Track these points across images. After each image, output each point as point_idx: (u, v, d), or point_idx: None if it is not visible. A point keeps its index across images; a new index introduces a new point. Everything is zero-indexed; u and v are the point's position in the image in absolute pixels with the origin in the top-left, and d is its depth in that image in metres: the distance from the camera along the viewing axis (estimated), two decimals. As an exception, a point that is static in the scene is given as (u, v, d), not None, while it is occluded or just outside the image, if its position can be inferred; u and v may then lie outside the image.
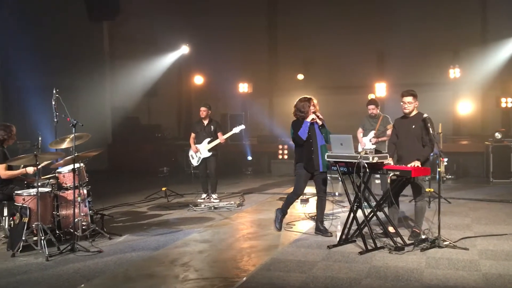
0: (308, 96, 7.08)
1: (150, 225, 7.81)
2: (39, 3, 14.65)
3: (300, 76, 16.50)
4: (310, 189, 10.95)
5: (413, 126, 6.46)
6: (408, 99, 6.53)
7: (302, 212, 8.36)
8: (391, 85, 14.81)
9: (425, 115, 6.36)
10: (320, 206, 7.03)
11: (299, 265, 5.56)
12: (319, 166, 6.90)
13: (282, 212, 7.20)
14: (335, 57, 16.02)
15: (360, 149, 8.56)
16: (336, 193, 10.05)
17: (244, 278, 5.21)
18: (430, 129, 6.26)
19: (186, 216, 8.49)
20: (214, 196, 9.71)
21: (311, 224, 7.54)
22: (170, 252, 6.25)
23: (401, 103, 6.60)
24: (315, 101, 7.02)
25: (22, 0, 14.20)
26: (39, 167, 6.53)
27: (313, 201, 9.63)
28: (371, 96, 14.12)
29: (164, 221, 8.13)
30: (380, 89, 14.73)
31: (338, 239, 6.33)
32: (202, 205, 9.15)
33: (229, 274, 5.43)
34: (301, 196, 9.67)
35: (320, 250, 6.12)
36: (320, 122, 6.94)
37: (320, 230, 6.94)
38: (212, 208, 8.99)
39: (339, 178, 11.68)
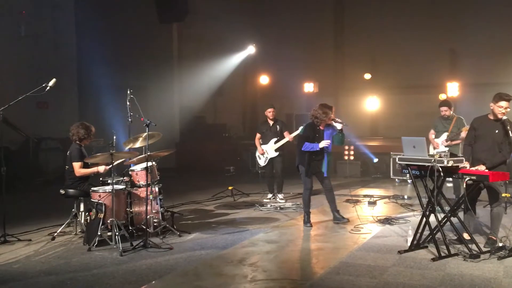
0: (330, 105, 7.64)
1: (218, 223, 7.93)
2: (112, 6, 15.25)
3: (367, 76, 16.22)
4: (377, 191, 10.80)
5: (496, 131, 6.11)
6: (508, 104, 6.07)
7: (370, 215, 8.19)
8: (464, 84, 14.26)
9: (504, 117, 6.04)
10: (331, 197, 7.68)
11: (369, 269, 5.46)
12: (324, 171, 7.59)
13: (305, 211, 7.65)
14: (404, 55, 15.65)
15: (432, 151, 8.30)
16: (405, 196, 9.78)
17: (313, 281, 5.18)
18: (510, 132, 5.94)
19: (253, 215, 8.55)
20: (280, 196, 9.71)
21: (379, 228, 7.39)
22: (238, 252, 6.31)
23: (497, 107, 6.06)
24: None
25: (97, 5, 14.83)
26: (109, 166, 6.81)
27: (380, 203, 9.44)
28: (442, 96, 13.69)
29: (231, 220, 8.22)
30: (452, 89, 14.20)
31: (409, 244, 6.15)
32: (268, 205, 9.19)
33: (297, 276, 5.41)
34: (369, 199, 9.56)
35: (390, 255, 5.97)
36: (340, 127, 7.51)
37: (337, 218, 7.63)
38: (278, 208, 9.00)
39: (408, 181, 11.42)
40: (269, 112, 9.76)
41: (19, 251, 6.40)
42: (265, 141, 9.77)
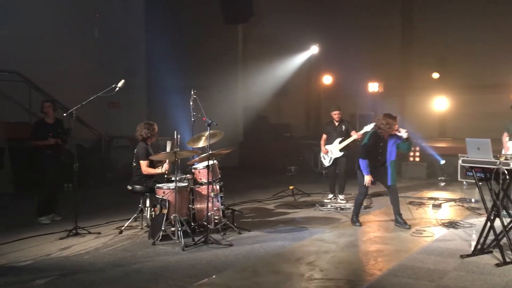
0: (394, 115, 7.64)
1: (277, 222, 8.01)
2: (179, 9, 15.73)
3: (435, 75, 15.76)
4: (443, 194, 10.50)
5: None
6: None
7: (433, 218, 8.00)
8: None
9: None
10: (394, 199, 7.54)
11: (428, 273, 5.36)
12: (387, 180, 7.51)
13: (355, 212, 7.81)
14: (474, 54, 15.07)
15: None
16: (473, 200, 9.45)
17: (370, 282, 5.15)
18: None
19: (313, 215, 8.57)
20: (341, 196, 9.66)
21: (444, 231, 7.20)
22: (296, 250, 6.37)
23: None
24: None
25: (165, 7, 15.35)
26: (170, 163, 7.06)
27: (445, 206, 9.18)
28: (515, 96, 13.08)
29: (290, 219, 8.29)
30: (526, 89, 13.50)
31: (472, 248, 5.97)
32: (329, 205, 9.17)
33: (354, 277, 5.40)
34: (433, 202, 9.32)
35: (452, 259, 5.83)
36: (405, 136, 7.47)
37: (399, 222, 7.48)
38: (339, 209, 8.97)
39: (476, 184, 10.96)
40: (335, 115, 9.73)
41: (89, 243, 6.80)
42: (330, 141, 9.73)
